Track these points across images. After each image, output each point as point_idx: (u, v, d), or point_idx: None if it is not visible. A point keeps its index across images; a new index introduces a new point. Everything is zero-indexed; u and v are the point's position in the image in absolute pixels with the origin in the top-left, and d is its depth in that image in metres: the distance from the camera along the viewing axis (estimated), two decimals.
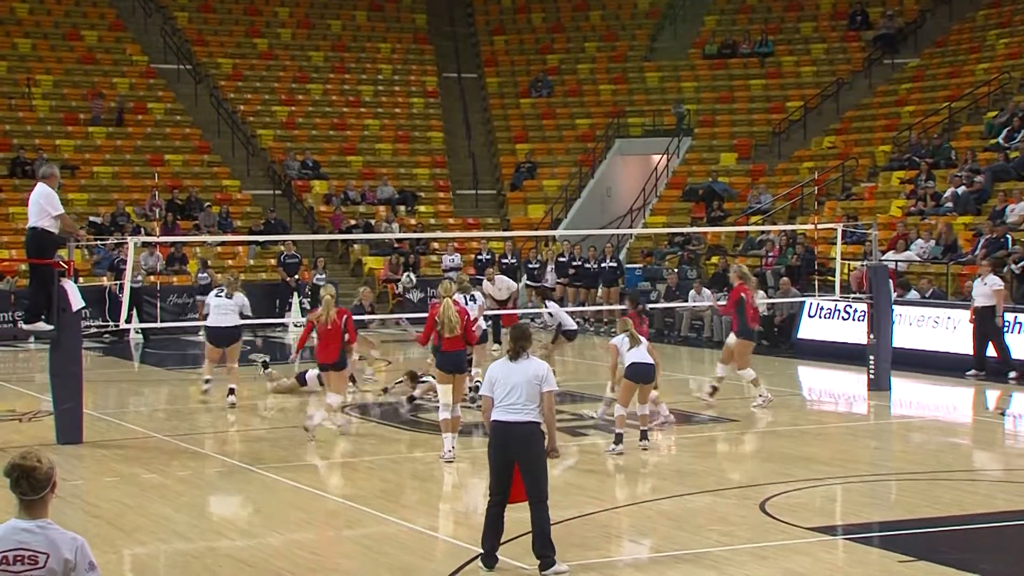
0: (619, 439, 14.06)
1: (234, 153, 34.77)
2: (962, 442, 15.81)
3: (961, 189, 26.38)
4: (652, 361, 14.29)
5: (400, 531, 11.04)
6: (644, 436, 14.30)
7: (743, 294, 17.10)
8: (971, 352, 20.09)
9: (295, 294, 28.66)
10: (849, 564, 10.11)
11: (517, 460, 9.43)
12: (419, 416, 16.81)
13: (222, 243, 30.33)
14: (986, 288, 19.59)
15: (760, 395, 17.13)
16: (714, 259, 29.26)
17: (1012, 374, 19.54)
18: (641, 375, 14.21)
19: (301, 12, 40.23)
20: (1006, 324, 19.88)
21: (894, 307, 19.82)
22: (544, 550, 9.45)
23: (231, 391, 17.46)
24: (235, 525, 11.67)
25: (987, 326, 19.69)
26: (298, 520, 11.56)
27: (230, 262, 30.74)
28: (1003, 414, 17.78)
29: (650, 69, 38.78)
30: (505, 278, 24.49)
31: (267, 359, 19.88)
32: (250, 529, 11.37)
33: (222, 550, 10.46)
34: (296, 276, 29.00)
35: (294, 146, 35.37)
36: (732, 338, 17.33)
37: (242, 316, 17.86)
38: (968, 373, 19.96)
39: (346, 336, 15.19)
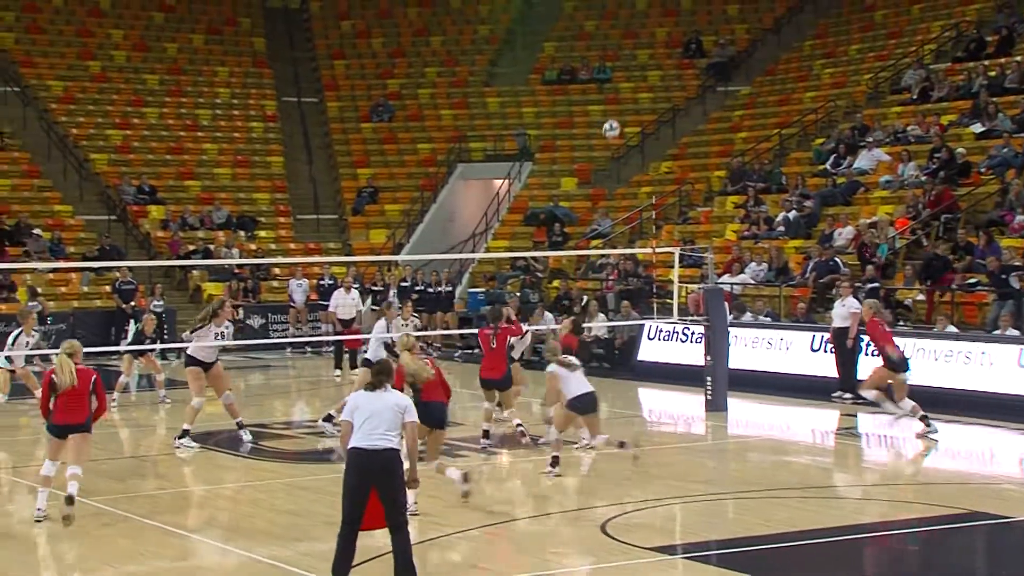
0: (555, 462, 14.13)
1: (66, 178, 33.84)
2: (795, 460, 16.23)
3: (792, 214, 27.15)
4: (593, 389, 13.99)
5: (244, 562, 10.84)
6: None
7: (882, 326, 17.22)
8: (804, 373, 20.55)
9: (131, 321, 27.97)
10: None
11: (376, 487, 9.42)
12: (260, 444, 16.52)
13: (53, 270, 29.48)
14: (844, 310, 20.00)
15: (926, 427, 16.71)
16: (555, 283, 29.56)
17: (846, 395, 19.81)
18: (587, 406, 13.99)
19: (136, 35, 39.44)
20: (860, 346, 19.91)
21: (730, 329, 20.27)
22: (407, 575, 9.44)
23: None
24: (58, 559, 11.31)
25: (841, 347, 20.04)
26: (130, 552, 11.25)
27: (63, 289, 29.87)
28: (855, 433, 18.04)
29: (490, 94, 39.06)
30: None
31: None
32: (76, 563, 11.04)
33: None
34: (132, 303, 28.34)
35: (129, 171, 34.61)
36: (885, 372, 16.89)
37: None
38: (834, 395, 20.14)
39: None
